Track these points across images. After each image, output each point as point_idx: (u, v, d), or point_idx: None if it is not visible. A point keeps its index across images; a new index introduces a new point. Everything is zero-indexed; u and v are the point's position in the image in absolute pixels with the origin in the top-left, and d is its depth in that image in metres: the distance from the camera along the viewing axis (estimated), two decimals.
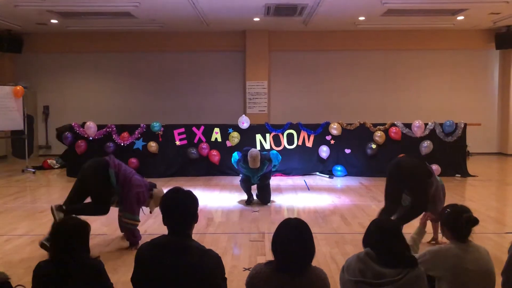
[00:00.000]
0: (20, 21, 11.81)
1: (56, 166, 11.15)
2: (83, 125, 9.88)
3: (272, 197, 7.21)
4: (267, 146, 9.88)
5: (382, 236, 2.48)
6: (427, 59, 13.69)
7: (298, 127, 10.00)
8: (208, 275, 2.34)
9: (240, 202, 7.17)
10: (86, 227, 2.69)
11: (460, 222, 2.75)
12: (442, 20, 12.04)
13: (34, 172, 10.43)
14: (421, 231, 3.57)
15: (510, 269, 2.82)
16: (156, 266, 2.32)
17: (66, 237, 2.54)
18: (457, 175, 9.61)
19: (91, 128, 9.81)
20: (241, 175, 7.22)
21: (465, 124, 9.84)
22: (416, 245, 3.45)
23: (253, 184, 7.09)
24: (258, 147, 9.86)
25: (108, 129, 9.88)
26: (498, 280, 2.82)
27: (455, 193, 8.00)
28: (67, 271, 2.48)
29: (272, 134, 9.97)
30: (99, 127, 9.89)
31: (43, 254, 4.38)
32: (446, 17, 11.64)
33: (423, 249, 2.95)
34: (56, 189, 8.87)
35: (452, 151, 9.75)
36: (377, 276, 2.37)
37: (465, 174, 9.67)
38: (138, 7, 10.29)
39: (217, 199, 7.50)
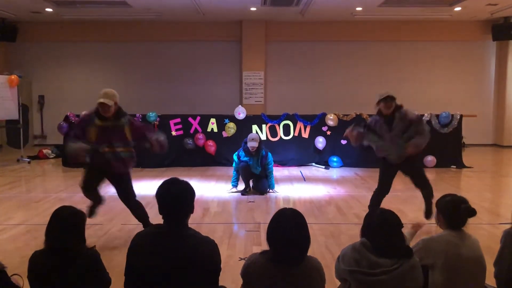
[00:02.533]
0: (15, 10, 11.70)
1: (52, 156, 11.12)
2: (78, 115, 9.85)
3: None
4: (263, 137, 9.88)
5: (379, 227, 2.49)
6: (424, 50, 13.68)
7: (294, 118, 10.00)
8: (205, 262, 2.35)
9: (235, 192, 7.16)
10: (82, 216, 2.68)
11: (458, 211, 2.77)
12: (440, 11, 12.02)
13: (29, 162, 10.40)
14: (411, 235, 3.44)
15: (502, 259, 2.85)
16: (151, 255, 2.31)
17: (62, 227, 2.54)
18: (452, 166, 9.66)
19: None
20: (240, 163, 7.13)
21: (461, 116, 9.87)
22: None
23: (254, 173, 7.07)
24: None
25: None
26: (488, 269, 2.85)
27: (451, 184, 8.05)
28: (63, 261, 2.48)
29: (269, 125, 9.96)
30: None
31: (38, 244, 4.35)
32: (444, 8, 11.62)
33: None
34: (51, 178, 8.85)
35: (447, 142, 9.78)
36: (372, 266, 2.39)
37: (460, 165, 9.71)
38: None
39: (213, 189, 7.51)
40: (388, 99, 4.83)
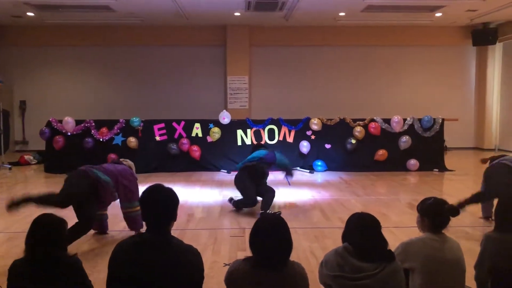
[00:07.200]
0: None
1: (34, 162, 10.95)
2: (61, 120, 9.75)
3: None
4: (248, 142, 9.89)
5: (360, 231, 2.51)
6: (406, 55, 13.87)
7: (279, 123, 10.03)
8: (188, 271, 2.33)
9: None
10: (62, 224, 2.65)
11: (442, 211, 2.81)
12: (421, 17, 12.21)
13: (10, 168, 10.22)
14: None
15: (482, 262, 2.90)
16: (133, 265, 2.29)
17: (42, 235, 2.50)
18: (435, 169, 9.78)
19: (69, 123, 9.66)
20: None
21: (443, 119, 10.02)
22: None
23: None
24: (239, 143, 9.89)
25: (86, 125, 9.75)
26: (469, 271, 2.89)
27: (433, 187, 8.15)
28: (43, 269, 2.44)
29: (253, 129, 9.97)
30: (78, 122, 9.76)
31: (19, 252, 4.30)
32: (425, 13, 11.80)
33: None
34: (33, 185, 8.71)
35: (430, 146, 9.92)
36: (355, 271, 2.40)
37: (442, 168, 9.84)
38: (117, 0, 10.15)
39: (197, 195, 7.47)
40: None
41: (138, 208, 4.36)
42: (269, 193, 6.18)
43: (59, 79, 13.58)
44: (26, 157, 10.99)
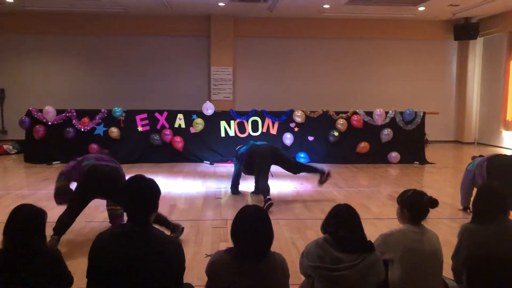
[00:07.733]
0: None
1: (13, 152, 10.77)
2: (41, 110, 9.59)
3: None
4: (231, 133, 9.88)
5: (340, 222, 2.54)
6: (389, 48, 13.96)
7: (262, 114, 10.03)
8: (169, 262, 2.34)
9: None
10: (42, 214, 2.62)
11: (421, 203, 2.86)
12: (404, 10, 12.29)
13: None
14: None
15: (460, 253, 2.96)
16: (115, 255, 2.28)
17: (21, 225, 2.47)
18: (415, 162, 9.91)
19: (50, 112, 9.51)
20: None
21: (424, 113, 10.14)
22: None
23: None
24: (223, 134, 9.87)
25: (67, 114, 9.61)
26: (447, 262, 2.95)
27: (413, 179, 8.27)
28: (22, 260, 2.41)
29: (237, 121, 9.95)
30: (58, 111, 9.61)
31: None
32: (408, 7, 11.88)
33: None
34: (12, 175, 8.58)
35: (411, 138, 10.04)
36: (335, 261, 2.44)
37: (423, 161, 9.98)
38: None
39: (180, 186, 7.45)
40: None
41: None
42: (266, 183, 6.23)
43: (40, 67, 13.31)
44: (5, 146, 10.80)
